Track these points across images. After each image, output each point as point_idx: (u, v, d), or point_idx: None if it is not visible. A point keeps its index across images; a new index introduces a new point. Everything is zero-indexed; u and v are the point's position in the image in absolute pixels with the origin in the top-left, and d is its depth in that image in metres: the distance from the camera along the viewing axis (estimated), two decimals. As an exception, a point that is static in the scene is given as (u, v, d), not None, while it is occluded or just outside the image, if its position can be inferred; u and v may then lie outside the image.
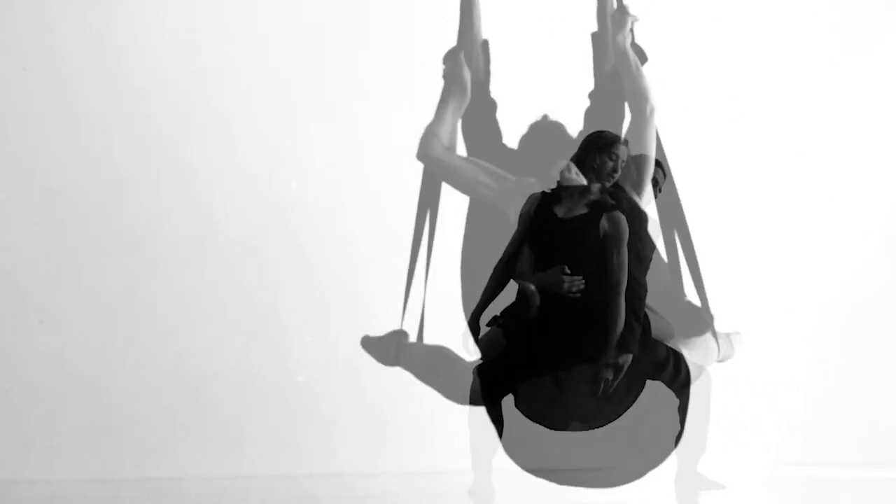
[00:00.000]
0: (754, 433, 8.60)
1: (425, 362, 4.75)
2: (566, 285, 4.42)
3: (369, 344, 5.21)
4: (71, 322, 7.90)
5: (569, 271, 4.45)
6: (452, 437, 7.99)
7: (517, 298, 4.64)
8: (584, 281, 4.40)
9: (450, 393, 4.94)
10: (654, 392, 4.69)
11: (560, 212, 4.62)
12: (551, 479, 4.74)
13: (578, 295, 4.42)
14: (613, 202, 4.57)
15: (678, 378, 4.51)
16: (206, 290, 8.09)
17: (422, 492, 7.41)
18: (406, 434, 8.24)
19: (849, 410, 8.99)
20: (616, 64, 5.23)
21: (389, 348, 5.02)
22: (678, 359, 4.66)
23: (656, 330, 4.45)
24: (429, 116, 5.68)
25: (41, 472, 7.76)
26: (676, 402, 4.76)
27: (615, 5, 5.43)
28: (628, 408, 4.39)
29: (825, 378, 8.95)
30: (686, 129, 8.73)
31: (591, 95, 5.76)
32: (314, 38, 8.28)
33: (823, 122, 9.11)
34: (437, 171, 5.34)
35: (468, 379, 4.65)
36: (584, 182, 4.63)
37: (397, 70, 8.29)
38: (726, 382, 6.70)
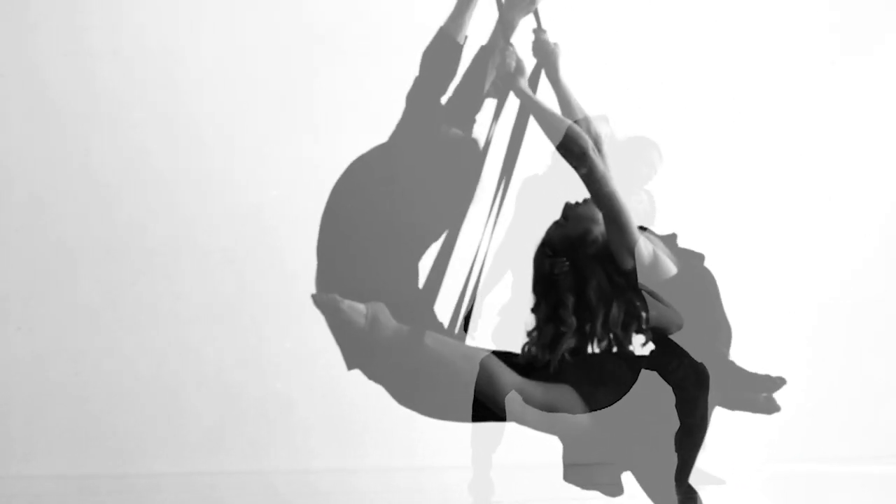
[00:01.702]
0: (754, 429, 8.60)
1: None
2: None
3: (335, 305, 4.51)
4: (50, 328, 7.85)
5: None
6: (432, 441, 8.01)
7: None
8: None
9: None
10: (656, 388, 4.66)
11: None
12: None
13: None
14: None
15: (676, 374, 4.49)
16: (186, 296, 8.04)
17: (399, 489, 7.46)
18: (386, 441, 8.21)
19: (848, 408, 8.99)
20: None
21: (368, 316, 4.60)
22: (679, 354, 4.64)
23: (662, 319, 4.42)
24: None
25: (20, 472, 7.71)
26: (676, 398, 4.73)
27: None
28: (624, 393, 4.35)
29: (824, 376, 8.94)
30: (686, 129, 8.74)
31: None
32: (296, 45, 8.24)
33: (823, 122, 9.11)
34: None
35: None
36: None
37: (380, 76, 8.23)
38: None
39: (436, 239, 4.70)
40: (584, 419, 4.32)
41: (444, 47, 4.67)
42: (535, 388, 4.33)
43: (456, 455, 7.83)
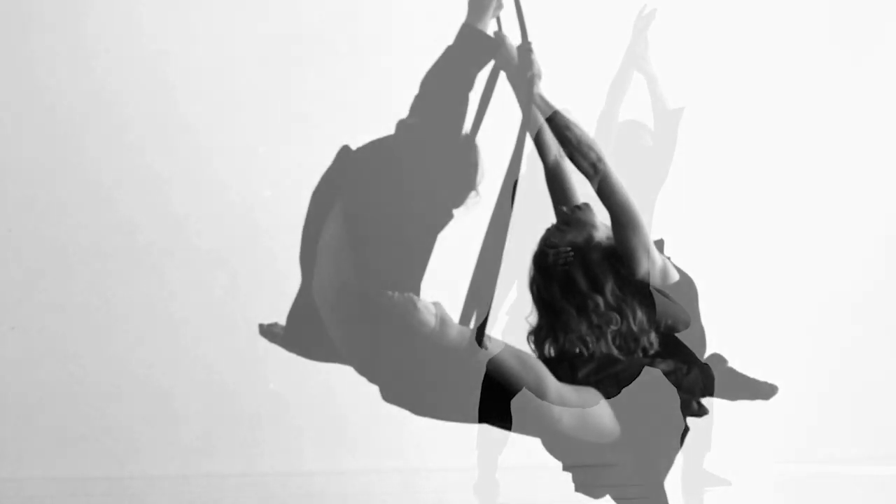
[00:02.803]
0: (759, 430, 8.57)
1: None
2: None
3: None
4: (43, 329, 7.83)
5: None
6: (424, 443, 8.06)
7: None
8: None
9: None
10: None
11: None
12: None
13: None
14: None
15: (689, 377, 4.41)
16: (178, 297, 8.03)
17: (392, 491, 7.44)
18: (378, 443, 8.20)
19: (852, 408, 9.00)
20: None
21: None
22: (688, 357, 4.56)
23: (673, 318, 4.32)
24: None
25: (12, 475, 7.67)
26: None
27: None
28: (624, 387, 4.25)
29: (828, 376, 8.94)
30: (687, 129, 8.68)
31: None
32: (288, 46, 8.23)
33: (824, 122, 9.12)
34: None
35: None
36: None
37: (372, 76, 8.25)
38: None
39: (436, 234, 4.60)
40: (614, 424, 4.21)
41: (473, 39, 4.51)
42: (569, 390, 4.22)
43: (449, 457, 7.81)
